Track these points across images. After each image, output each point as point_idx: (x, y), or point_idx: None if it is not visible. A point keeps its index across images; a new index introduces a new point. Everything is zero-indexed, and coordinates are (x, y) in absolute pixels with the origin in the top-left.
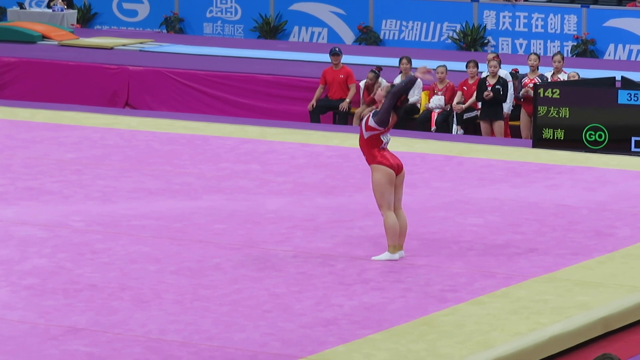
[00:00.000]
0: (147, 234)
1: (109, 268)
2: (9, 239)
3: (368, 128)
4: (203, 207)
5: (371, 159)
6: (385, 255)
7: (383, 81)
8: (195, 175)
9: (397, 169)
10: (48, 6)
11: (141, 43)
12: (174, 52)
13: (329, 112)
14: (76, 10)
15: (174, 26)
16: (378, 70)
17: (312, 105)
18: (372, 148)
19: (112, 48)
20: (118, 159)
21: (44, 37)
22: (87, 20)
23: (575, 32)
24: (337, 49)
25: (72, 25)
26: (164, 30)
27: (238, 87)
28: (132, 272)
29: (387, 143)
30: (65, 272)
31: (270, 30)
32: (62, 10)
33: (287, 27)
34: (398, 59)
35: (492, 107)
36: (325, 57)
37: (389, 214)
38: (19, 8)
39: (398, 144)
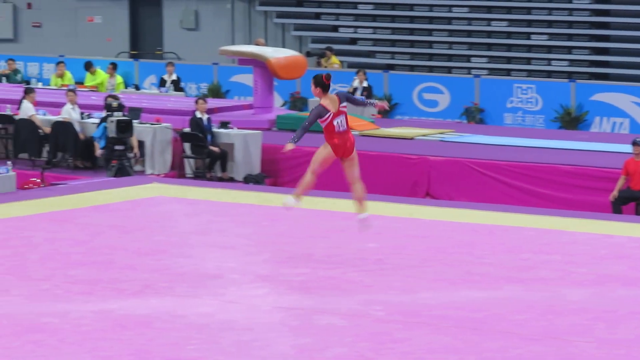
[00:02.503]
0: (448, 324)
1: (408, 358)
2: (310, 327)
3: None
4: (503, 297)
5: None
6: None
7: None
8: (496, 265)
9: (344, 153)
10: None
11: (441, 133)
12: (474, 142)
13: (631, 202)
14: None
15: (475, 116)
16: None
17: (614, 196)
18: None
19: (412, 138)
20: (419, 248)
21: None
22: (388, 110)
23: None
24: (639, 140)
25: (373, 115)
26: (465, 121)
27: (538, 178)
28: None
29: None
30: None
31: (571, 121)
32: (363, 100)
33: (589, 117)
34: None
35: None
36: (627, 148)
37: (310, 175)
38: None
39: None
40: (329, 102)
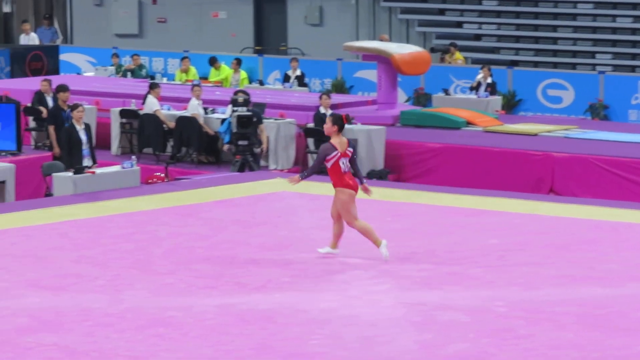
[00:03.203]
0: (570, 321)
1: (530, 355)
2: (433, 323)
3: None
4: (627, 294)
5: (338, 184)
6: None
7: None
8: (619, 262)
9: (355, 189)
10: (471, 88)
11: (566, 130)
12: (598, 139)
13: None
14: (501, 97)
15: (599, 113)
16: None
17: None
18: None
19: (536, 134)
20: (541, 245)
21: (468, 123)
22: (511, 106)
23: None
24: None
25: (497, 111)
26: (589, 117)
27: None
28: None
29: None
30: (489, 357)
31: None
32: (486, 96)
33: None
34: None
35: None
36: None
37: (357, 223)
38: (444, 94)
39: None
40: (338, 142)
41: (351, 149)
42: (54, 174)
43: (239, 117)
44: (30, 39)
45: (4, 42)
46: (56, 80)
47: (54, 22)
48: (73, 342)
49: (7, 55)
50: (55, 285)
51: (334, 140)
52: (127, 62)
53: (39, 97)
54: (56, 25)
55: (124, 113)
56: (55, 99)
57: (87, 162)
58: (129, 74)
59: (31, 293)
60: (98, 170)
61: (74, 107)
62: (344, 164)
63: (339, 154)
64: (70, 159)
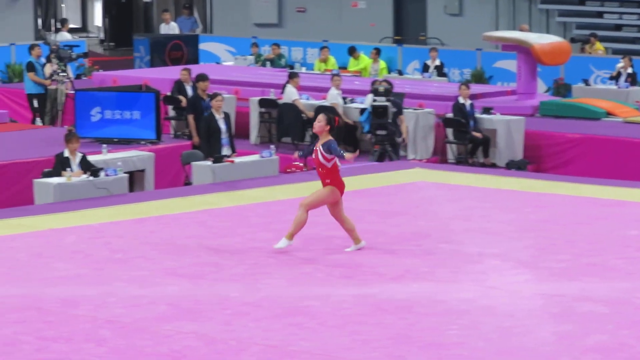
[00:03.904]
0: None
1: None
2: (572, 314)
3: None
4: None
5: (334, 183)
6: (283, 241)
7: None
8: None
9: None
10: (611, 78)
11: None
12: None
13: None
14: None
15: None
16: None
17: None
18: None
19: None
20: None
21: (608, 114)
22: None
23: None
24: None
25: (637, 102)
26: None
27: None
28: None
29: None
30: (628, 349)
31: None
32: (627, 87)
33: None
34: None
35: None
36: None
37: (306, 213)
38: (584, 84)
39: None
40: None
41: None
42: (193, 163)
43: (375, 107)
44: (170, 28)
45: (145, 31)
46: (196, 69)
47: (193, 12)
48: (211, 330)
49: (147, 45)
50: (193, 273)
51: (330, 138)
52: (266, 51)
53: (179, 86)
54: (196, 15)
55: (263, 102)
56: (194, 88)
57: (226, 151)
58: (268, 63)
59: (170, 281)
60: (237, 159)
61: (213, 96)
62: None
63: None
64: (209, 147)
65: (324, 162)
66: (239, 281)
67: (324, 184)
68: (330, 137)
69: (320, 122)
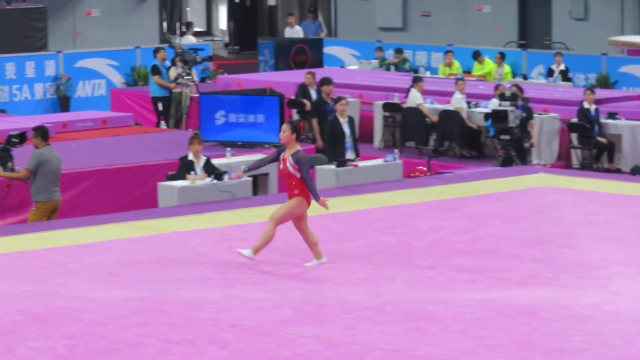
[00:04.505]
0: None
1: None
2: None
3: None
4: None
5: (302, 194)
6: (248, 252)
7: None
8: None
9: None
10: None
11: None
12: None
13: None
14: None
15: None
16: None
17: None
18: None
19: None
20: None
21: None
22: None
23: None
24: None
25: None
26: None
27: None
28: None
29: None
30: None
31: None
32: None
33: None
34: None
35: None
36: None
37: (274, 228)
38: None
39: None
40: None
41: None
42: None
43: (495, 112)
44: (294, 31)
45: (269, 34)
46: (320, 73)
47: (318, 16)
48: (334, 335)
49: (271, 48)
50: (317, 277)
51: (298, 147)
52: (390, 55)
53: (303, 89)
54: (320, 19)
55: (387, 106)
56: (318, 92)
57: (349, 154)
58: (392, 67)
59: (293, 285)
60: (361, 163)
61: (337, 100)
62: None
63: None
64: (333, 151)
65: (293, 172)
66: (362, 285)
67: (292, 195)
68: (299, 148)
69: (285, 132)
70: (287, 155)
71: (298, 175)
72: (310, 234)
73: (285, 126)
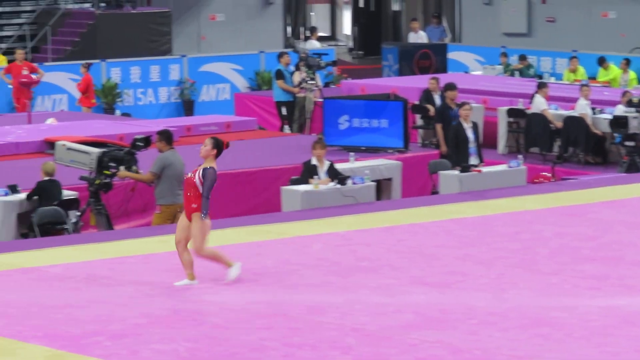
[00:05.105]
0: None
1: None
2: None
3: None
4: None
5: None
6: (186, 281)
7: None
8: None
9: None
10: None
11: None
12: None
13: None
14: None
15: None
16: None
17: None
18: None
19: None
20: None
21: None
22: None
23: None
24: None
25: None
26: None
27: None
28: None
29: None
30: None
31: None
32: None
33: None
34: None
35: None
36: None
37: (206, 250)
38: None
39: None
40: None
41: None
42: (441, 172)
43: (616, 118)
44: (418, 37)
45: (393, 39)
46: (444, 78)
47: (442, 21)
48: (457, 340)
49: (395, 53)
50: (440, 282)
51: (213, 164)
52: (514, 61)
53: (427, 95)
54: (445, 24)
55: (511, 112)
56: (442, 97)
57: (473, 160)
58: (516, 73)
59: (417, 290)
60: (484, 169)
61: (461, 105)
62: None
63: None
64: (457, 157)
65: (198, 185)
66: (486, 291)
67: (189, 209)
68: (214, 165)
69: (206, 146)
70: (201, 167)
71: (201, 190)
72: (187, 252)
73: (208, 140)
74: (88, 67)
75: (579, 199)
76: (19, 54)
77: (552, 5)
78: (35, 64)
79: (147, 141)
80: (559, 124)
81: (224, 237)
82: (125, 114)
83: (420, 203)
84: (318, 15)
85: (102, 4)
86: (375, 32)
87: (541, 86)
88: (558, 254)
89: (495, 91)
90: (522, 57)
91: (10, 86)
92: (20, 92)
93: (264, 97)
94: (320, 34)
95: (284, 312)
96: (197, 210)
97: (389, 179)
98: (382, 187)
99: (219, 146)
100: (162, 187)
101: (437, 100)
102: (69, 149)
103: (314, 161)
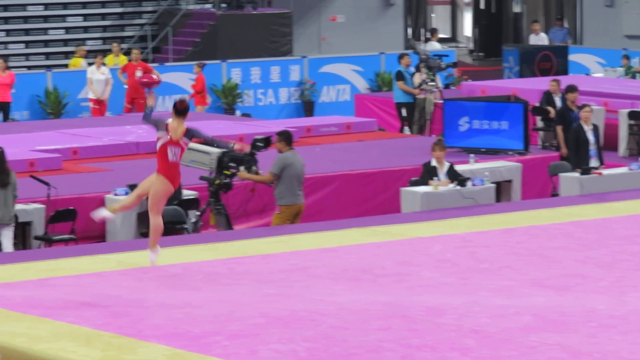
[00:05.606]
0: None
1: None
2: None
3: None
4: None
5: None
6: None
7: None
8: None
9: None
10: None
11: None
12: None
13: None
14: None
15: None
16: None
17: None
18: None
19: None
20: None
21: None
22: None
23: None
24: None
25: None
26: None
27: None
28: None
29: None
30: None
31: None
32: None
33: None
34: None
35: None
36: None
37: (158, 218)
38: None
39: None
40: (175, 126)
41: (187, 141)
42: (561, 174)
43: None
44: (539, 39)
45: (514, 41)
46: (565, 80)
47: (564, 23)
48: (576, 343)
49: (516, 55)
50: (560, 284)
51: (172, 124)
52: (636, 63)
53: (547, 97)
54: (567, 26)
55: (632, 114)
56: (563, 100)
57: (594, 162)
58: (638, 75)
59: (536, 292)
60: (605, 171)
61: (582, 107)
62: (174, 154)
63: (169, 138)
64: (578, 159)
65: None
66: (606, 293)
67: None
68: (172, 122)
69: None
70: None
71: (157, 146)
72: (136, 201)
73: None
74: (202, 67)
75: None
76: (135, 53)
77: None
78: (150, 65)
79: (267, 142)
80: None
81: (344, 237)
82: (246, 115)
83: (540, 205)
84: (438, 17)
85: (223, 5)
86: (496, 34)
87: None
88: None
89: (616, 93)
90: None
91: (125, 86)
92: (136, 91)
93: (384, 99)
94: (441, 35)
95: (402, 313)
96: (159, 172)
97: (509, 181)
98: (501, 189)
99: (173, 106)
100: (281, 188)
101: (558, 102)
102: (190, 149)
103: (433, 162)
